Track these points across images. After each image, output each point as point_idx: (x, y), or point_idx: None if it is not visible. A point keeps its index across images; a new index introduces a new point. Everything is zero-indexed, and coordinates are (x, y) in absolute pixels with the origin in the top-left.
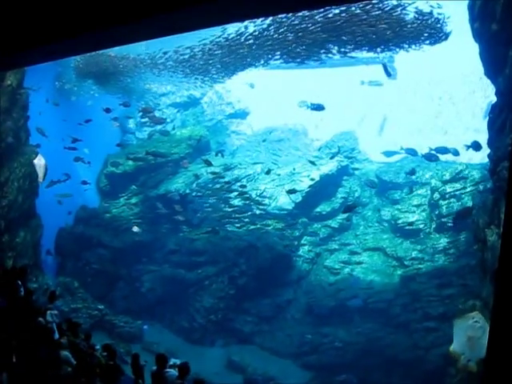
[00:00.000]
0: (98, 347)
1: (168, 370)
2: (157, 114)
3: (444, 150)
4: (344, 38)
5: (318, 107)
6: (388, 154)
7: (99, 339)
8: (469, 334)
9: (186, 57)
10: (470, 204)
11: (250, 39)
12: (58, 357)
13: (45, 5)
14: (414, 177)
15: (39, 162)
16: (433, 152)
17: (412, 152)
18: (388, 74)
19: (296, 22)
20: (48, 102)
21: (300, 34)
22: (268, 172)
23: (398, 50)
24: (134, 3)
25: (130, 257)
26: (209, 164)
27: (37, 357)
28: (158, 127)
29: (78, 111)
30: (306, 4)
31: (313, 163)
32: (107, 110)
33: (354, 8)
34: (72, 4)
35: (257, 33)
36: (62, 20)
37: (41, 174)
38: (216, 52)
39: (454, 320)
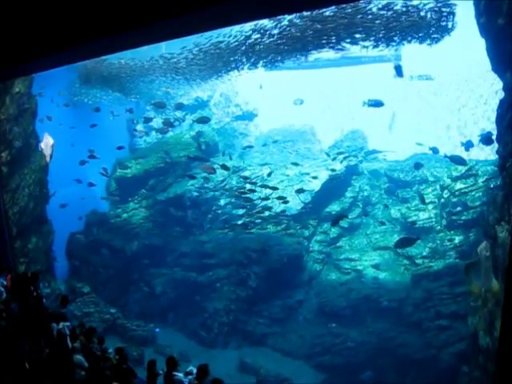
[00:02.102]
0: (110, 351)
1: (176, 373)
2: (164, 117)
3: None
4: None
5: (377, 104)
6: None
7: (112, 343)
8: (486, 266)
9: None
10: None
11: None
12: (71, 361)
13: (51, 13)
14: (422, 174)
15: (47, 140)
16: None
17: (434, 150)
18: (400, 75)
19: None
20: (55, 103)
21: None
22: (269, 174)
23: (405, 43)
24: (139, 9)
25: (141, 260)
26: (226, 168)
27: (49, 361)
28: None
29: (87, 116)
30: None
31: (328, 154)
32: (130, 110)
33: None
34: (77, 13)
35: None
36: (69, 28)
37: (48, 153)
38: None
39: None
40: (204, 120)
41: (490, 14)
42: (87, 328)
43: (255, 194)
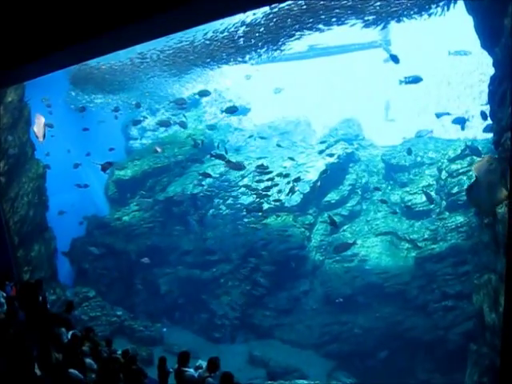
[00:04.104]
0: (119, 352)
1: (187, 369)
2: (158, 117)
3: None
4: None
5: (415, 79)
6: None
7: (121, 345)
8: (489, 180)
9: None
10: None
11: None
12: (84, 365)
13: (36, 18)
14: (419, 157)
15: (38, 120)
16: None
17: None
18: (396, 61)
19: None
20: (47, 110)
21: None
22: (260, 167)
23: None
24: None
25: (145, 261)
26: (232, 166)
27: (62, 365)
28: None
29: (82, 120)
30: None
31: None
32: (137, 105)
33: None
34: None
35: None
36: (55, 31)
37: (40, 133)
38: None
39: (474, 169)
40: (232, 109)
41: None
42: (85, 328)
43: (253, 187)
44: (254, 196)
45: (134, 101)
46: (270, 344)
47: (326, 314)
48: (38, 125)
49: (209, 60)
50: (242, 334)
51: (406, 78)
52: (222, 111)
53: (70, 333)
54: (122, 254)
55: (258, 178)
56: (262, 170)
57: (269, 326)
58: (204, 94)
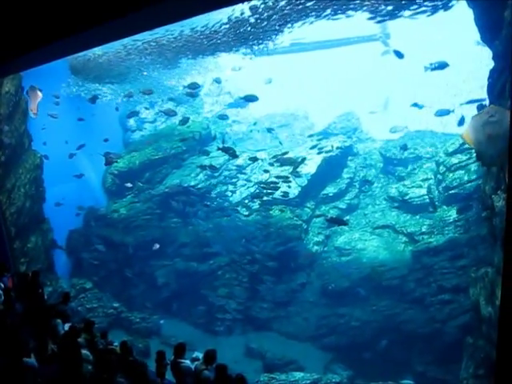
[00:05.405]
0: (116, 344)
1: (183, 360)
2: (157, 109)
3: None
4: None
5: (441, 65)
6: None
7: (118, 336)
8: (487, 132)
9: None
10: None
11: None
12: (80, 355)
13: (33, 8)
14: (417, 151)
15: (33, 92)
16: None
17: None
18: (400, 56)
19: None
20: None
21: None
22: (253, 159)
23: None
24: None
25: (142, 253)
26: (233, 155)
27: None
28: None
29: (80, 110)
30: None
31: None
32: (129, 95)
33: None
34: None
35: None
36: (53, 21)
37: (34, 105)
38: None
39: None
40: (252, 98)
41: None
42: (85, 322)
43: (251, 178)
44: (255, 188)
45: (135, 92)
46: (268, 336)
47: (323, 307)
48: (34, 97)
49: (204, 50)
50: (240, 326)
51: (431, 64)
52: (241, 98)
53: (67, 325)
54: (120, 245)
55: (264, 169)
56: (284, 161)
57: (266, 319)
58: (194, 86)
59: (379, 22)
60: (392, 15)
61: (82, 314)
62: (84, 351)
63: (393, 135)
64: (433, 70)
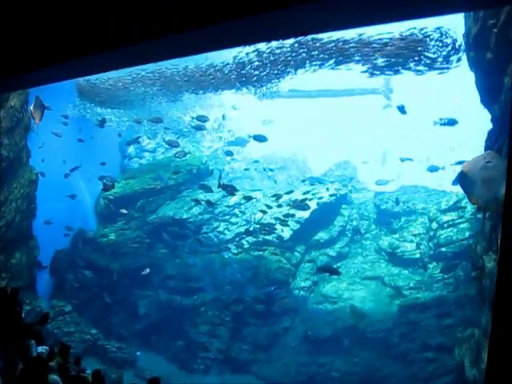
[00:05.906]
0: (88, 372)
1: None
2: (158, 140)
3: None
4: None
5: (450, 122)
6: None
7: (91, 364)
8: (483, 176)
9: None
10: (466, 233)
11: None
12: (46, 381)
13: (48, 26)
14: (411, 205)
15: (36, 101)
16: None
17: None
18: (403, 112)
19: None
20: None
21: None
22: (248, 198)
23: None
24: (143, 24)
25: (126, 281)
26: (231, 193)
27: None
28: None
29: (83, 132)
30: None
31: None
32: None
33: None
34: (74, 26)
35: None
36: (67, 41)
37: (37, 114)
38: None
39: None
40: (261, 138)
41: (478, 48)
42: (62, 346)
43: (245, 217)
44: (247, 227)
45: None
46: (245, 379)
47: (305, 354)
48: (36, 105)
49: (207, 86)
50: (217, 366)
51: (440, 119)
52: (250, 136)
53: (41, 347)
54: (105, 271)
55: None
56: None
57: (245, 361)
58: (203, 119)
59: (372, 75)
60: (387, 71)
61: (57, 336)
62: (54, 376)
63: (388, 187)
64: (442, 125)
